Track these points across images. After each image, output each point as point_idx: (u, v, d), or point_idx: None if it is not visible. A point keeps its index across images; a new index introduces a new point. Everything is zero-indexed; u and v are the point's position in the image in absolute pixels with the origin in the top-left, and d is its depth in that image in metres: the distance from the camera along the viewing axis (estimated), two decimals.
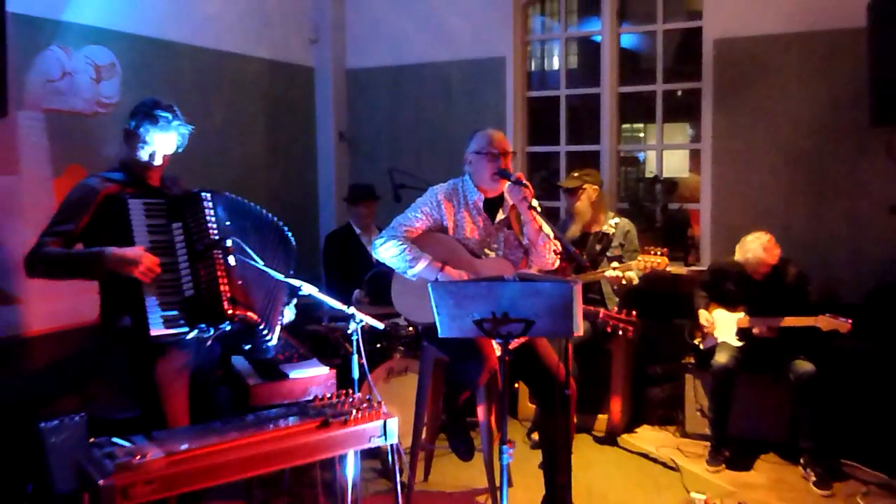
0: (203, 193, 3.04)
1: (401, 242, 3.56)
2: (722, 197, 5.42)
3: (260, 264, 3.01)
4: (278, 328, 3.14)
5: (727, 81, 5.35)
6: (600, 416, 4.93)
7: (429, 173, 4.69)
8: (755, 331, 4.37)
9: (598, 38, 5.94)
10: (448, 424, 3.78)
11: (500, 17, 6.05)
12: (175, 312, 2.91)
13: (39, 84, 4.37)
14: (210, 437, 2.50)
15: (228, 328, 3.00)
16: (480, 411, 3.74)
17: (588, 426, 4.91)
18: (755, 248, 4.35)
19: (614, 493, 4.07)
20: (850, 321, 4.10)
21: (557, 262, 3.51)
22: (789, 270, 4.44)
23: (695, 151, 5.88)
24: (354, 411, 2.71)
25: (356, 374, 2.98)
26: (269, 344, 3.12)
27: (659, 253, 4.42)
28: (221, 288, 2.95)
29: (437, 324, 2.86)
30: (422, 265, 3.51)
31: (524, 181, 3.39)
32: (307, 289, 2.98)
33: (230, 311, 2.93)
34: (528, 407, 5.06)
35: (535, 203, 3.45)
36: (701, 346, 4.62)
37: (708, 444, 4.53)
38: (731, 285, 4.56)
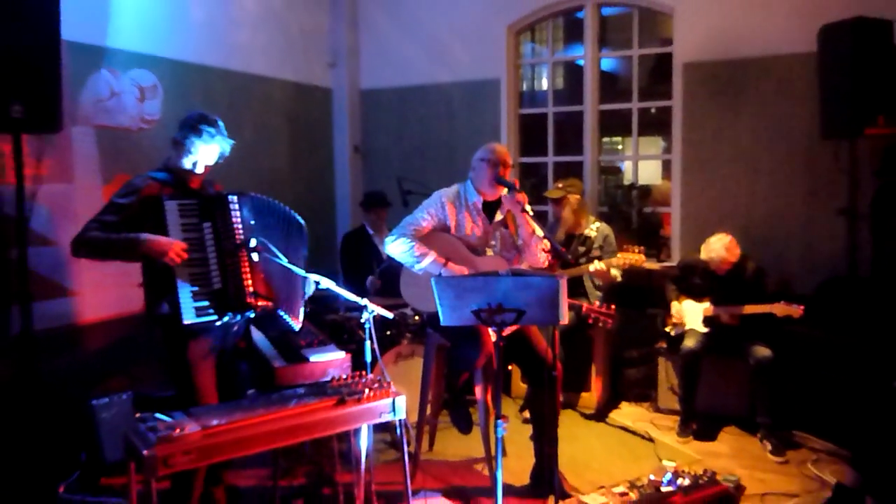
0: (230, 196, 3.04)
1: (409, 240, 3.56)
2: (690, 201, 5.41)
3: (284, 261, 3.01)
4: (301, 311, 3.14)
5: (695, 100, 5.33)
6: (583, 394, 4.92)
7: (433, 181, 4.67)
8: (722, 318, 4.36)
9: (582, 62, 5.92)
10: (449, 402, 3.78)
11: (495, 44, 6.04)
12: (205, 303, 2.94)
13: (90, 103, 4.37)
14: (240, 413, 2.50)
15: (253, 315, 3.07)
16: (478, 390, 3.74)
17: (572, 403, 4.90)
18: (718, 248, 4.35)
19: (596, 462, 4.06)
20: (801, 307, 4.09)
21: (547, 262, 3.50)
22: (748, 266, 4.43)
23: (666, 161, 5.86)
24: (367, 390, 2.70)
25: (369, 357, 2.97)
26: (295, 328, 3.15)
27: (636, 251, 4.41)
28: (245, 283, 2.99)
29: (440, 313, 2.86)
30: (427, 260, 3.50)
31: (517, 188, 3.39)
32: (326, 283, 2.97)
33: (253, 302, 3.00)
34: (520, 386, 5.05)
35: (528, 208, 3.45)
36: (672, 333, 4.61)
37: (678, 418, 4.52)
38: (697, 279, 4.55)
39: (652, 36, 6.12)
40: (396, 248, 3.57)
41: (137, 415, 2.48)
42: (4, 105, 3.42)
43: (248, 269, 3.00)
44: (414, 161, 6.37)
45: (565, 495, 3.40)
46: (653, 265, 5.34)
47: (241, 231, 3.03)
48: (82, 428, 3.73)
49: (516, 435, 4.16)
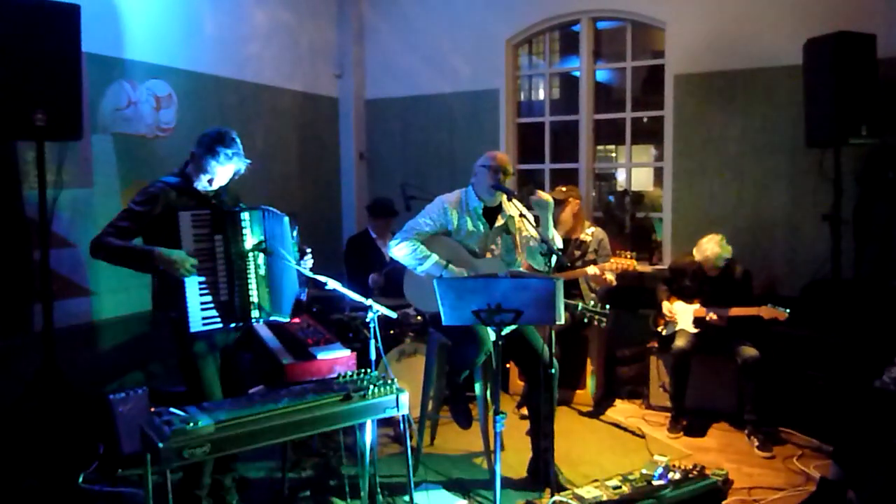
0: (242, 214, 3.03)
1: (412, 243, 3.57)
2: (680, 207, 5.42)
3: (292, 263, 3.03)
4: (291, 307, 3.17)
5: (685, 110, 5.35)
6: (578, 391, 4.93)
7: (435, 187, 4.68)
8: (709, 317, 4.37)
9: (577, 74, 5.94)
10: (450, 398, 3.79)
11: (494, 57, 6.06)
12: (212, 313, 2.96)
13: (109, 112, 4.40)
14: (251, 407, 2.52)
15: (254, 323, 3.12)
16: (477, 387, 3.75)
17: (567, 400, 4.91)
18: (711, 245, 4.35)
19: (589, 455, 4.07)
20: (787, 311, 4.11)
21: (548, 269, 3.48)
22: (736, 269, 4.45)
23: (658, 169, 5.87)
24: (372, 387, 2.72)
25: (373, 355, 2.99)
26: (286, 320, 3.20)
27: (628, 256, 4.41)
28: (251, 297, 3.02)
29: (441, 313, 2.87)
30: (429, 263, 3.52)
31: (516, 194, 3.41)
32: (332, 284, 2.99)
33: (256, 315, 3.05)
34: (517, 383, 5.06)
35: (527, 213, 3.45)
36: (663, 333, 4.62)
37: (668, 414, 4.52)
38: (687, 281, 4.55)
39: (645, 48, 6.13)
40: (400, 251, 3.59)
41: (153, 409, 2.50)
42: (28, 113, 3.45)
43: (253, 282, 3.02)
44: (416, 168, 6.38)
45: (561, 488, 3.40)
46: (645, 268, 5.35)
47: (250, 246, 3.04)
48: (100, 421, 3.75)
49: (514, 430, 4.16)
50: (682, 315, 4.53)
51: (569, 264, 4.66)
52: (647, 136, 7.43)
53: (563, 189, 4.84)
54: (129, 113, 4.51)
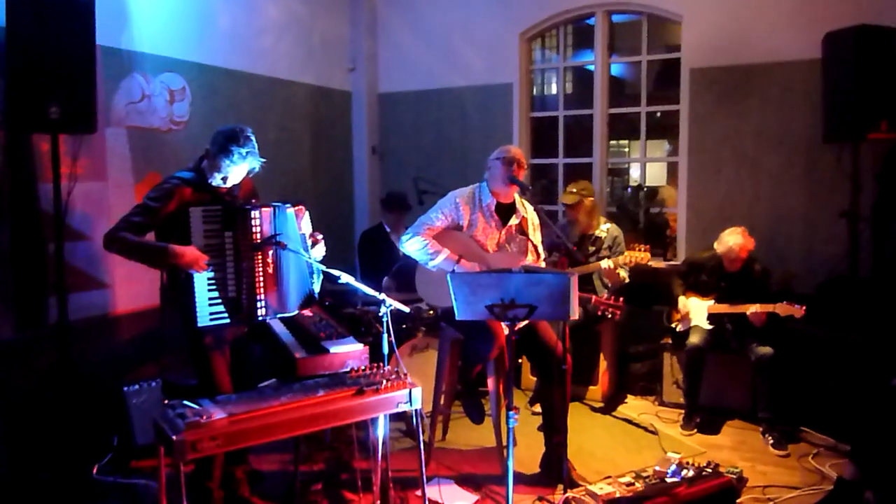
0: (253, 211, 3.02)
1: (423, 239, 3.56)
2: (695, 202, 5.37)
3: (305, 256, 3.05)
4: (298, 303, 3.22)
5: (701, 104, 5.29)
6: (591, 387, 4.91)
7: (447, 181, 4.66)
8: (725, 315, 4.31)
9: (592, 68, 5.90)
10: (463, 393, 3.78)
11: (507, 50, 6.02)
12: (219, 309, 2.98)
13: (123, 105, 4.40)
14: (264, 401, 2.52)
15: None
16: (490, 382, 3.74)
17: (580, 396, 4.89)
18: (735, 237, 4.30)
19: (602, 452, 4.05)
20: (804, 307, 4.05)
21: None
22: (756, 267, 4.40)
23: (672, 163, 5.83)
24: (384, 381, 2.71)
25: (386, 349, 2.98)
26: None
27: (642, 249, 4.37)
28: (258, 295, 3.02)
29: (455, 308, 2.86)
30: (441, 257, 3.51)
31: (530, 189, 3.38)
32: (345, 278, 2.98)
33: (262, 312, 3.05)
34: (529, 378, 5.05)
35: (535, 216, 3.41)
36: (677, 329, 4.58)
37: (682, 411, 4.50)
38: (704, 276, 4.51)
39: (660, 42, 6.07)
40: (412, 245, 3.58)
41: (166, 401, 2.50)
42: (43, 107, 3.46)
43: (261, 283, 3.03)
44: (429, 162, 6.36)
45: (574, 484, 3.39)
46: (659, 264, 5.31)
47: (258, 241, 3.03)
48: (114, 413, 3.78)
49: (526, 425, 4.16)
50: (697, 311, 4.49)
51: (583, 260, 4.63)
52: (659, 131, 7.36)
53: (574, 191, 4.75)
54: (142, 106, 4.51)
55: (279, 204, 3.12)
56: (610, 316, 4.05)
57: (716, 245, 4.40)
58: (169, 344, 4.48)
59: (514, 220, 3.63)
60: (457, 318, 2.88)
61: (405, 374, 2.79)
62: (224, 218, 3.00)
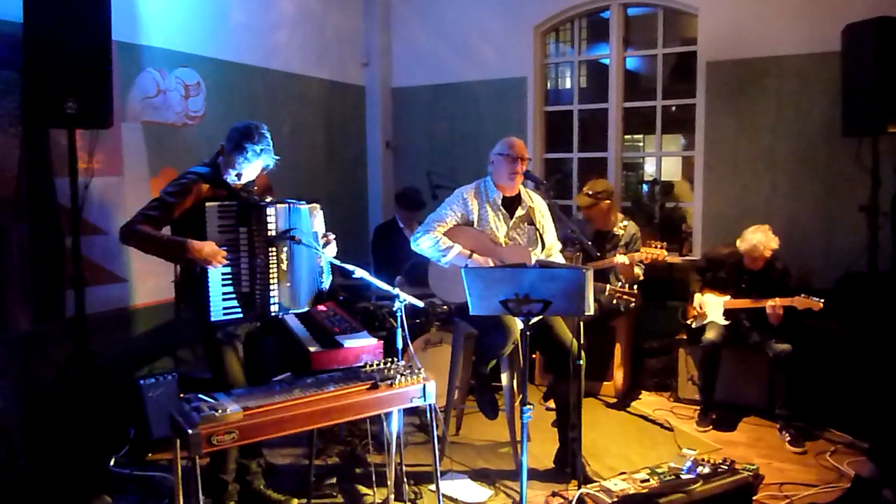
0: (268, 208, 3.02)
1: (434, 236, 3.56)
2: (711, 197, 5.32)
3: (319, 250, 3.05)
4: (309, 300, 3.22)
5: (717, 98, 5.24)
6: (605, 382, 4.88)
7: (461, 176, 4.65)
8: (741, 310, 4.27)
9: (607, 61, 5.85)
10: (476, 388, 3.78)
11: (521, 44, 5.99)
12: (233, 304, 2.99)
13: (138, 100, 4.42)
14: (279, 395, 2.52)
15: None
16: (504, 377, 3.73)
17: (594, 391, 4.87)
18: (759, 236, 4.23)
19: (616, 448, 4.03)
20: (822, 301, 4.00)
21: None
22: (777, 265, 4.35)
23: (687, 158, 5.77)
24: (398, 376, 2.71)
25: (400, 344, 2.98)
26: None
27: (658, 246, 4.32)
28: (271, 292, 3.02)
29: (469, 303, 2.85)
30: (453, 253, 3.50)
31: (545, 183, 3.35)
32: (359, 273, 2.98)
33: (275, 309, 3.04)
34: (543, 373, 5.03)
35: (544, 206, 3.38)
36: (693, 325, 4.55)
37: (697, 407, 4.46)
38: (723, 273, 4.46)
39: (676, 35, 6.00)
40: (423, 243, 3.58)
41: (182, 395, 2.51)
42: (60, 102, 3.48)
43: (274, 279, 3.03)
44: (443, 156, 6.35)
45: (588, 480, 3.38)
46: (674, 259, 5.27)
47: (272, 234, 3.03)
48: (131, 405, 3.80)
49: (540, 421, 4.15)
50: (713, 307, 4.45)
51: (597, 255, 4.60)
52: (674, 125, 7.30)
53: (590, 193, 4.66)
54: (158, 101, 4.53)
55: (294, 201, 3.13)
56: (624, 307, 3.99)
57: (738, 242, 4.35)
58: (184, 338, 4.52)
59: (520, 212, 3.62)
60: (471, 313, 2.87)
61: (419, 369, 2.78)
62: (239, 214, 3.01)
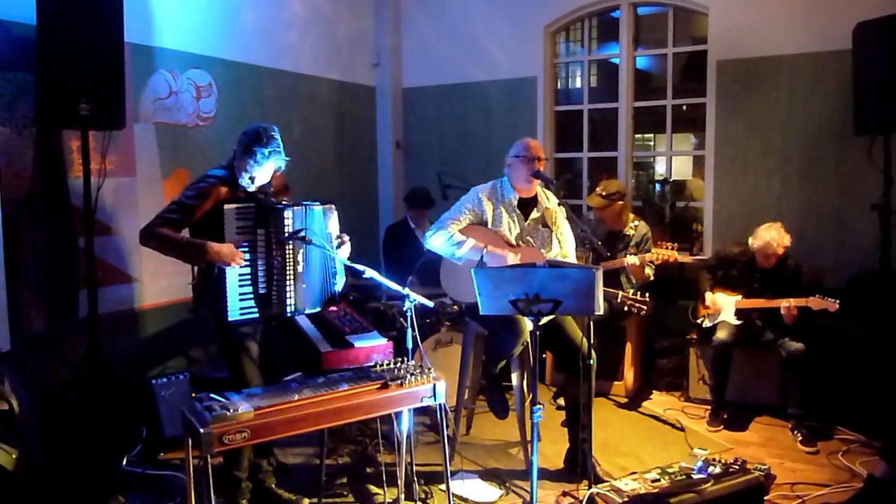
0: (285, 210, 3.03)
1: (447, 232, 3.55)
2: (722, 196, 5.28)
3: (332, 252, 3.07)
4: (321, 302, 3.25)
5: (728, 97, 5.20)
6: (615, 382, 4.86)
7: (471, 176, 4.64)
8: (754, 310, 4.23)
9: (617, 61, 5.83)
10: (487, 388, 3.77)
11: (531, 44, 5.97)
12: (250, 304, 3.02)
13: (151, 101, 4.44)
14: (290, 395, 2.53)
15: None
16: (514, 377, 3.71)
17: (604, 391, 4.85)
18: (772, 234, 4.21)
19: (627, 447, 4.01)
20: (837, 302, 3.97)
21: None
22: (789, 263, 4.32)
23: (698, 157, 5.74)
24: (409, 375, 2.71)
25: (410, 344, 2.97)
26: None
27: (670, 247, 4.29)
28: (287, 295, 3.05)
29: (479, 303, 2.84)
30: (467, 246, 3.49)
31: (556, 182, 3.34)
32: (370, 273, 2.98)
33: (291, 310, 3.08)
34: (553, 373, 5.02)
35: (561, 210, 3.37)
36: (704, 325, 4.52)
37: (708, 407, 4.44)
38: (735, 272, 4.43)
39: (686, 34, 5.96)
40: (436, 240, 3.57)
41: (194, 394, 2.52)
42: (73, 103, 3.50)
43: (291, 281, 3.05)
44: (453, 156, 6.34)
45: (599, 480, 3.36)
46: (685, 258, 5.24)
47: (287, 236, 3.04)
48: (143, 405, 3.82)
49: (550, 421, 4.13)
50: (724, 306, 4.42)
51: (608, 255, 4.57)
52: (685, 125, 7.25)
53: (604, 194, 4.62)
54: (170, 102, 4.55)
55: (309, 203, 3.14)
56: (637, 312, 3.99)
57: (750, 240, 4.33)
58: (196, 338, 4.53)
59: (535, 214, 3.61)
60: (481, 312, 2.86)
61: (429, 369, 2.78)
62: (256, 216, 3.03)
